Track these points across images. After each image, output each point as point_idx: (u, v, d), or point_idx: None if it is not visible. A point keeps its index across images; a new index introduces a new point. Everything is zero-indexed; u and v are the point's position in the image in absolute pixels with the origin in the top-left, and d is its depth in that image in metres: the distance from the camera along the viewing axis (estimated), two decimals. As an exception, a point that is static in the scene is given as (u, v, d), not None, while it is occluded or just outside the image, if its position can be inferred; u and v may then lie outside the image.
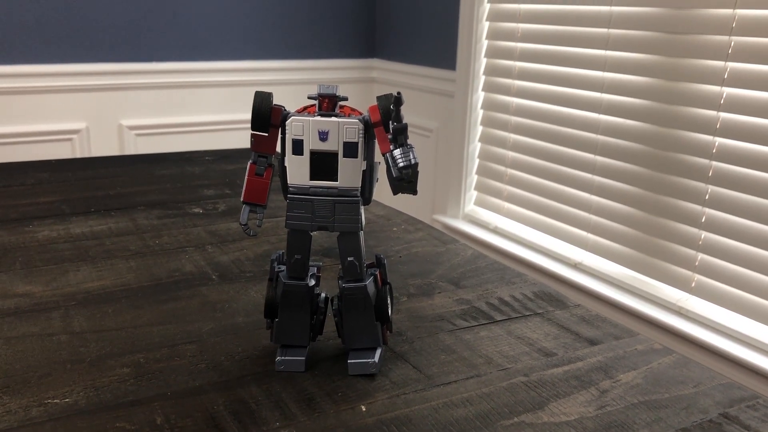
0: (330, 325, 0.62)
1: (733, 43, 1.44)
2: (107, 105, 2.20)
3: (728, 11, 1.44)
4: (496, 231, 2.13)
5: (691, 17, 1.52)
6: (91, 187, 1.14)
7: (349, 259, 0.57)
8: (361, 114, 0.56)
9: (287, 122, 0.55)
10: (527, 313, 0.72)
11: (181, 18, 2.25)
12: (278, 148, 0.57)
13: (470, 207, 2.26)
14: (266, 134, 0.56)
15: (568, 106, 1.85)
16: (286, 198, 0.57)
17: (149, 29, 2.21)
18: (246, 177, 0.57)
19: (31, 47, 2.06)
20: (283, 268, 0.59)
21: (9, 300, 0.71)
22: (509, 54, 2.03)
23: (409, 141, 0.54)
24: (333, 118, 0.55)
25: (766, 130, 1.40)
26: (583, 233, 1.85)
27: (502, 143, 2.10)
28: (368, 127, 0.55)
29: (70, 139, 2.16)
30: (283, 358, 0.59)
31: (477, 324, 0.69)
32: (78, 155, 2.18)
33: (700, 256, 1.55)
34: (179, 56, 2.28)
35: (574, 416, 0.53)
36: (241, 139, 2.32)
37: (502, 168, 2.11)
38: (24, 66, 2.06)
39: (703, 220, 1.54)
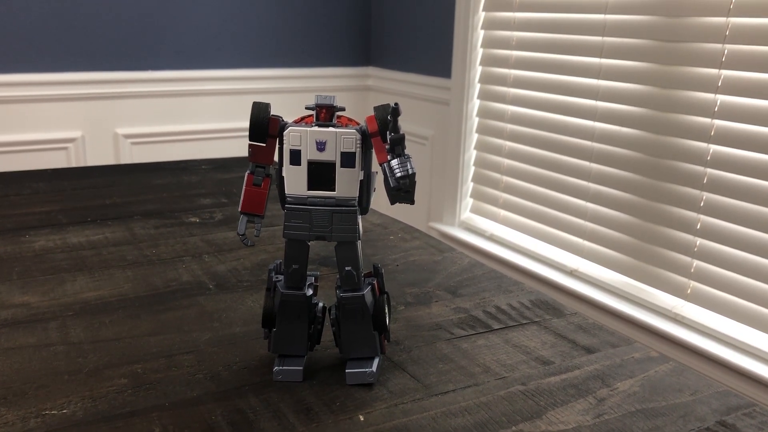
0: (327, 334, 0.62)
1: (726, 51, 1.45)
2: (103, 113, 2.20)
3: (722, 19, 1.45)
4: (491, 238, 2.13)
5: (685, 25, 1.53)
6: (88, 196, 1.14)
7: (346, 268, 0.57)
8: (358, 124, 0.56)
9: (285, 132, 0.55)
10: (524, 322, 0.72)
11: (177, 27, 2.26)
12: (276, 158, 0.57)
13: (466, 215, 2.26)
14: (264, 144, 0.56)
15: (563, 113, 1.85)
16: (283, 208, 0.57)
17: (144, 38, 2.22)
18: (244, 187, 0.57)
19: (26, 56, 2.06)
20: (281, 278, 0.59)
21: (6, 310, 0.71)
22: (504, 62, 2.04)
23: (406, 151, 0.54)
24: (330, 129, 0.55)
25: (760, 137, 1.41)
26: (579, 240, 1.85)
27: (498, 151, 2.10)
28: (365, 137, 0.55)
29: (65, 148, 2.16)
30: (280, 368, 0.59)
31: (474, 333, 0.69)
32: (73, 164, 2.17)
33: (696, 262, 1.56)
34: (175, 65, 2.28)
35: (572, 425, 0.54)
36: (238, 148, 2.32)
37: (497, 175, 2.11)
38: (19, 75, 2.06)
39: (698, 226, 1.54)
